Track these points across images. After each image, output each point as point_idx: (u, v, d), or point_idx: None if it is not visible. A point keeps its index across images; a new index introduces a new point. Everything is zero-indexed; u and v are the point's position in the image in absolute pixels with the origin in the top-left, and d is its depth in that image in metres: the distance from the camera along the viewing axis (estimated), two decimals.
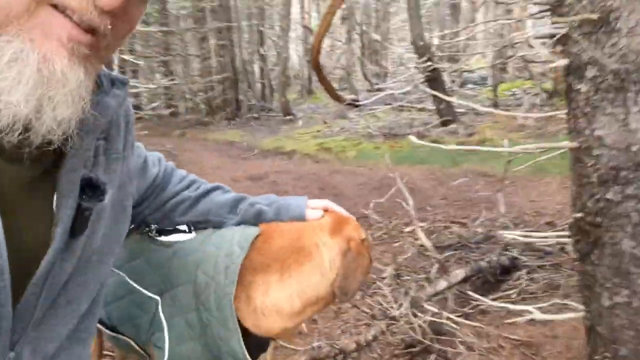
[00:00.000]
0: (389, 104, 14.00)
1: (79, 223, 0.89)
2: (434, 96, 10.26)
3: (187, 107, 20.60)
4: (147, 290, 1.37)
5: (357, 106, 15.02)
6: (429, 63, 10.31)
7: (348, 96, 16.37)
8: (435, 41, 15.89)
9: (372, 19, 23.01)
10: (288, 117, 16.96)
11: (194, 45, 20.26)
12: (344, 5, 15.34)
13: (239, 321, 1.25)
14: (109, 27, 0.82)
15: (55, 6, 0.78)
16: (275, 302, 1.27)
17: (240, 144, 14.01)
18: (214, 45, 19.08)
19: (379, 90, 15.97)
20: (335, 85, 17.56)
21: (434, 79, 10.52)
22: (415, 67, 11.28)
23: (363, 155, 10.06)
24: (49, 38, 0.78)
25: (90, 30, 0.80)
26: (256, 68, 22.19)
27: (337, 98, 15.86)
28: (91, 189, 0.92)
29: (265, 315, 1.27)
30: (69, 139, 0.83)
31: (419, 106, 14.01)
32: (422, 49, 10.61)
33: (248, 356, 1.25)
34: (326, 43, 18.89)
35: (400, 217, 5.28)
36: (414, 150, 9.09)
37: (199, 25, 18.95)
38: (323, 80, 15.17)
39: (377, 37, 19.69)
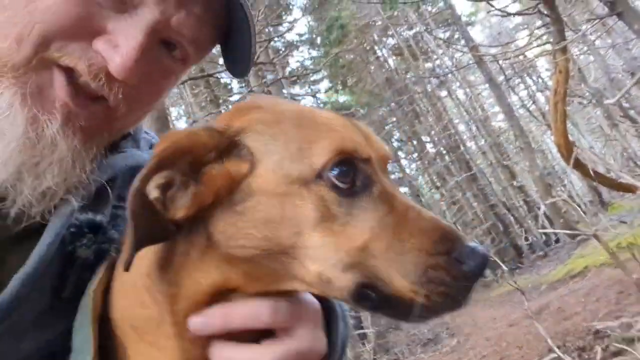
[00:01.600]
0: None
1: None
2: None
3: None
4: None
5: None
6: None
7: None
8: None
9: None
10: (579, 239, 14.76)
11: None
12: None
13: None
14: (121, 96, 0.83)
15: (59, 66, 0.79)
16: None
17: (525, 288, 12.71)
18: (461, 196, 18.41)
19: None
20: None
21: None
22: None
23: None
24: (44, 98, 0.77)
25: (97, 97, 0.81)
26: (517, 203, 20.28)
27: (626, 188, 12.79)
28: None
29: None
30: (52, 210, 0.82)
31: None
32: None
33: None
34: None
35: None
36: None
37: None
38: (596, 176, 12.55)
39: None
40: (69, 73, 0.81)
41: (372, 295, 0.81)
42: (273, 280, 0.87)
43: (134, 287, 0.91)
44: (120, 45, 0.86)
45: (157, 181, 0.80)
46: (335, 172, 0.83)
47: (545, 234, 18.40)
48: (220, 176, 0.82)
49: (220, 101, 15.64)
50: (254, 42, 1.06)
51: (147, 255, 0.88)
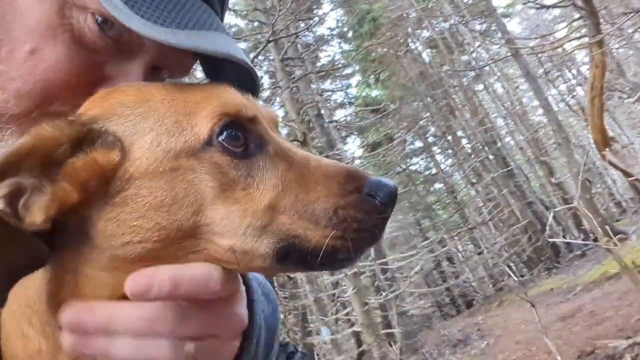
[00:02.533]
0: None
1: None
2: None
3: (492, 273, 19.11)
4: None
5: None
6: None
7: None
8: None
9: None
10: (617, 238, 14.14)
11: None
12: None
13: None
14: None
15: (63, 115, 0.78)
16: None
17: (559, 288, 12.56)
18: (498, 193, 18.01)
19: None
20: None
21: None
22: None
23: None
24: None
25: None
26: (555, 201, 19.66)
27: None
28: None
29: None
30: None
31: None
32: None
33: None
34: None
35: None
36: None
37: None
38: (626, 175, 12.05)
39: None
40: None
41: (294, 256, 0.78)
42: None
43: (14, 319, 0.81)
44: None
45: (1, 192, 0.70)
46: (224, 136, 0.78)
47: (584, 231, 17.74)
48: (84, 169, 0.74)
49: None
50: (255, 75, 0.99)
51: (33, 283, 0.80)
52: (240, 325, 0.84)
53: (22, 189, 0.72)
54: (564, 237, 18.12)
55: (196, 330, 0.78)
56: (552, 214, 8.69)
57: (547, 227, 11.63)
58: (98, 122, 0.78)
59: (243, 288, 0.87)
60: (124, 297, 0.75)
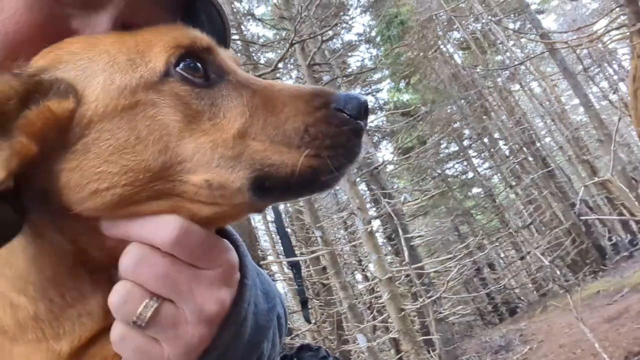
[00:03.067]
0: None
1: None
2: None
3: (536, 278, 18.48)
4: None
5: None
6: None
7: None
8: None
9: None
10: None
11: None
12: None
13: None
14: None
15: None
16: None
17: (606, 290, 12.07)
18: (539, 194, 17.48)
19: None
20: None
21: None
22: None
23: None
24: None
25: None
26: (599, 201, 18.89)
27: None
28: None
29: None
30: None
31: None
32: None
33: None
34: None
35: None
36: None
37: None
38: None
39: None
40: None
41: (272, 186, 0.75)
42: None
43: None
44: None
45: None
46: (181, 66, 0.76)
47: (630, 233, 16.92)
48: (39, 120, 0.70)
49: None
50: (225, 20, 1.00)
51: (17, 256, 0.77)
52: (215, 309, 0.76)
53: None
54: (610, 238, 17.32)
55: (155, 282, 0.73)
56: (582, 188, 8.19)
57: (579, 203, 11.02)
58: (47, 71, 0.75)
59: (232, 266, 0.81)
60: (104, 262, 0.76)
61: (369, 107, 0.86)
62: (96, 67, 0.75)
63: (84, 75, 0.75)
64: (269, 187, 0.75)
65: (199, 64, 0.78)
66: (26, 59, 0.80)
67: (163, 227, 0.72)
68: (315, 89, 0.81)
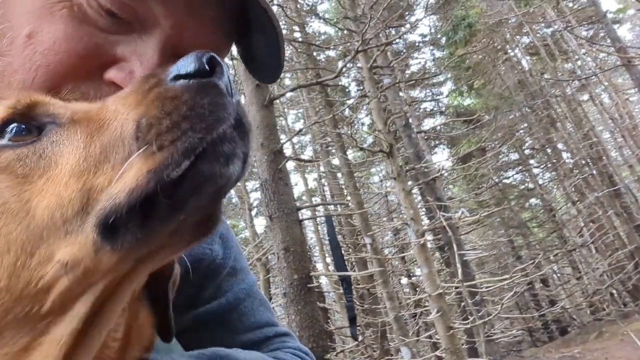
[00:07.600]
0: None
1: None
2: None
3: (592, 301, 17.58)
4: None
5: None
6: None
7: None
8: None
9: None
10: None
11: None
12: None
13: None
14: None
15: None
16: None
17: None
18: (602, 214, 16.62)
19: None
20: None
21: None
22: None
23: None
24: None
25: None
26: None
27: None
28: None
29: None
30: None
31: None
32: None
33: None
34: None
35: None
36: None
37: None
38: None
39: None
40: None
41: (117, 222, 0.57)
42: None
43: None
44: (135, 71, 0.78)
45: None
46: (5, 138, 0.64)
47: None
48: None
49: (337, 104, 15.55)
50: (281, 43, 0.90)
51: None
52: None
53: None
54: None
55: None
56: None
57: None
58: None
59: None
60: None
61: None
62: None
63: None
64: (114, 226, 0.57)
65: (23, 126, 0.65)
66: (71, 89, 0.78)
67: None
68: (146, 74, 0.66)
